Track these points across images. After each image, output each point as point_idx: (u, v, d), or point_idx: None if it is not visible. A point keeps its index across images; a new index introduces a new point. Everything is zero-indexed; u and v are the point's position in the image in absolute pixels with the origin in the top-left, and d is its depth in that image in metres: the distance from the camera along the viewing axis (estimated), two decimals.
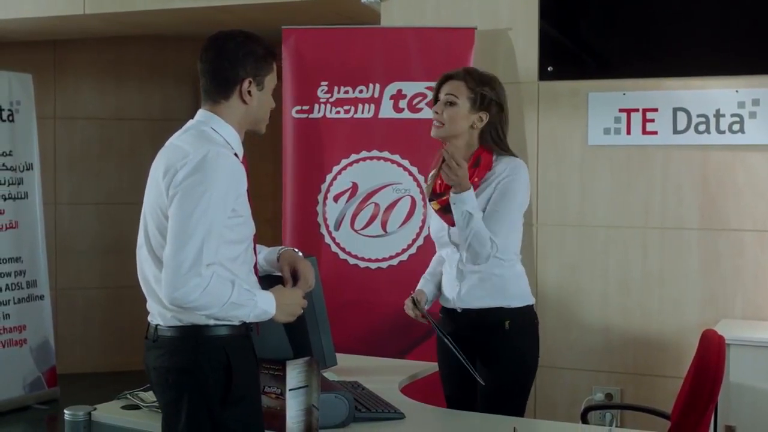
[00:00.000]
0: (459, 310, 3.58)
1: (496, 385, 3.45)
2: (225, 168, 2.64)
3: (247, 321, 2.71)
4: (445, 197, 3.53)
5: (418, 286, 3.74)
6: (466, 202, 3.39)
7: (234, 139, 2.79)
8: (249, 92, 2.77)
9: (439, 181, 3.60)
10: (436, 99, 3.61)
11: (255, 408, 2.75)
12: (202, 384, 2.64)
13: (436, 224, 3.65)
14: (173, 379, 2.68)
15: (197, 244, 2.56)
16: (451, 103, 3.53)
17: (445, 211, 3.54)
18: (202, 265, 2.56)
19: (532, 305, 3.61)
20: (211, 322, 2.67)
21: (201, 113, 2.82)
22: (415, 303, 3.57)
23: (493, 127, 3.56)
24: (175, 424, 2.69)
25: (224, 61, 2.78)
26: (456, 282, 3.58)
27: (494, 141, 3.57)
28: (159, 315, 2.72)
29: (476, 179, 3.50)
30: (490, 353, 3.49)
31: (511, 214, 3.50)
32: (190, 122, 2.83)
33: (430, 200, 3.65)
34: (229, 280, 2.64)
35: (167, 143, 2.81)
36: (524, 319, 3.55)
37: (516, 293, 3.54)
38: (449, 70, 3.65)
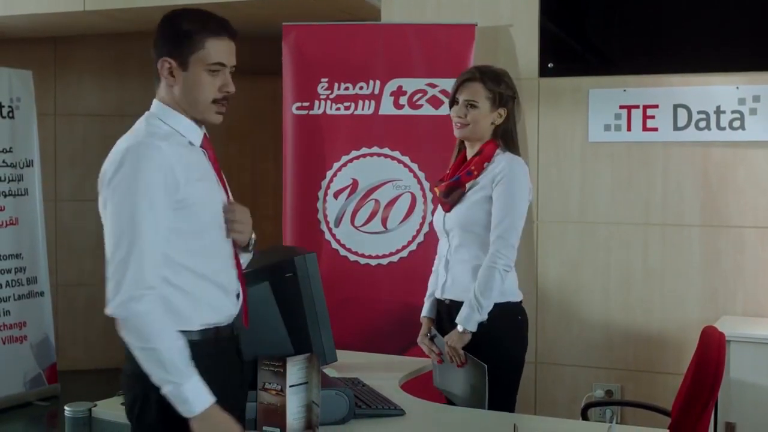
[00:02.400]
0: (446, 301, 3.67)
1: None
2: (148, 159, 2.45)
3: (162, 392, 2.40)
4: (445, 183, 3.64)
5: (423, 312, 3.80)
6: (471, 318, 3.47)
7: (184, 125, 2.60)
8: (171, 73, 2.58)
9: (448, 171, 3.70)
10: (453, 101, 3.67)
11: None
12: (149, 390, 2.45)
13: (438, 212, 3.75)
14: (129, 384, 2.55)
15: (132, 258, 2.40)
16: (472, 106, 3.60)
17: (444, 196, 3.64)
18: (142, 281, 2.40)
19: (519, 302, 3.64)
20: None
21: (153, 103, 2.68)
22: (431, 338, 3.67)
23: (506, 122, 3.66)
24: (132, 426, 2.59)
25: (153, 43, 2.64)
26: (443, 272, 3.69)
27: (503, 135, 3.64)
28: None
29: (473, 168, 3.58)
30: (472, 347, 3.52)
31: (518, 218, 3.55)
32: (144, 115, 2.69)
33: (435, 185, 3.76)
34: (173, 329, 2.43)
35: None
36: (507, 315, 3.57)
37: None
38: (458, 68, 3.75)
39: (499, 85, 3.63)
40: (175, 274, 2.50)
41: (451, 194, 3.61)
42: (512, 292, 3.60)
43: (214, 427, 2.45)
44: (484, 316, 3.47)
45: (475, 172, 3.57)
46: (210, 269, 2.57)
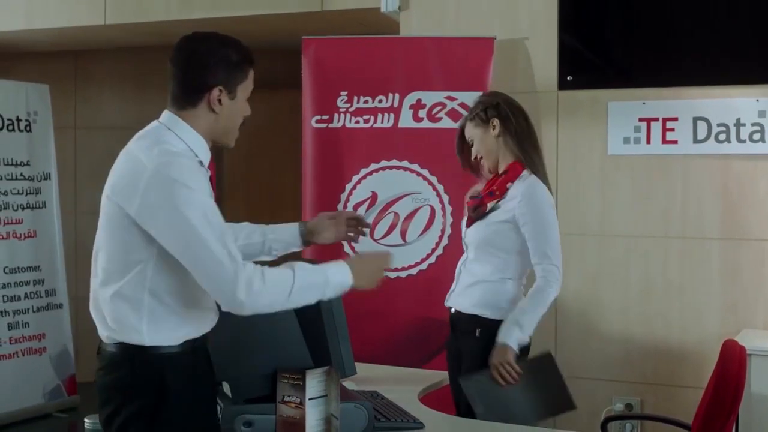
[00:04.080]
0: (451, 309, 3.77)
1: None
2: (192, 172, 2.49)
3: (325, 299, 2.62)
4: (477, 199, 3.69)
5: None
6: (512, 336, 3.49)
7: (199, 145, 2.61)
8: (219, 101, 2.59)
9: (479, 188, 3.75)
10: (467, 155, 3.76)
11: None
12: (133, 403, 2.50)
13: (463, 223, 3.82)
14: (109, 397, 2.55)
15: (216, 245, 2.41)
16: (475, 141, 3.69)
17: (471, 211, 3.71)
18: (237, 260, 2.43)
19: None
20: (147, 342, 2.50)
21: (166, 116, 2.68)
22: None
23: (506, 129, 3.66)
24: None
25: (195, 67, 2.62)
26: (455, 281, 3.78)
27: (519, 150, 3.64)
28: (100, 330, 2.60)
29: (495, 188, 3.61)
30: (465, 358, 3.63)
31: (554, 233, 3.58)
32: (153, 125, 2.71)
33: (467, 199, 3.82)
34: (287, 267, 2.50)
35: (125, 150, 2.72)
36: (496, 332, 3.56)
37: (493, 305, 3.60)
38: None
39: (476, 107, 3.70)
40: (167, 292, 2.51)
41: (476, 210, 3.67)
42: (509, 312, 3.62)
43: (366, 273, 2.75)
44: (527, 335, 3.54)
45: (497, 193, 3.60)
46: (200, 290, 2.53)
